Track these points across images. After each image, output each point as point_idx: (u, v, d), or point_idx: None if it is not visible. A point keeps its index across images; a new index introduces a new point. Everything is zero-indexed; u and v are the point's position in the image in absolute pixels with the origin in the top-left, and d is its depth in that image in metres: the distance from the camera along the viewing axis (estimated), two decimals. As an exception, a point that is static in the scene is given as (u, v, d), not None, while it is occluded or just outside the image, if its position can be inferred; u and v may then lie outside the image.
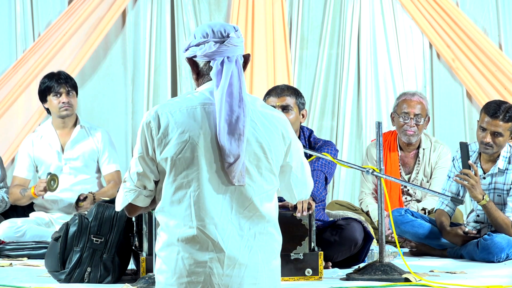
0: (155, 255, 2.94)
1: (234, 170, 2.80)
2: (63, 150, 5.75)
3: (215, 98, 2.83)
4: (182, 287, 2.81)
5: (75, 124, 5.79)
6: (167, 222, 2.83)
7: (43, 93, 5.73)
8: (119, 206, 2.96)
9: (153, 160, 2.85)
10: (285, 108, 4.84)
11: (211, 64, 2.89)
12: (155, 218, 4.16)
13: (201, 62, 2.94)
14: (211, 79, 2.90)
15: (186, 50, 2.96)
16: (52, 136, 5.76)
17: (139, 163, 2.86)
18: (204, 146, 2.80)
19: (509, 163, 5.22)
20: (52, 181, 5.47)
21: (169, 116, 2.82)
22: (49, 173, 5.51)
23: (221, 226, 2.80)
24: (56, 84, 5.69)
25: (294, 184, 3.02)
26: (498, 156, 5.22)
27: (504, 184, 5.21)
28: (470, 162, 5.14)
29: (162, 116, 2.83)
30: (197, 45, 2.91)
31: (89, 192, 5.64)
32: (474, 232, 5.21)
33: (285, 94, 4.88)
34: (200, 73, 2.96)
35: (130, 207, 2.94)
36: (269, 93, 4.95)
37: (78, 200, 5.59)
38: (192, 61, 2.95)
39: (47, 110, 5.79)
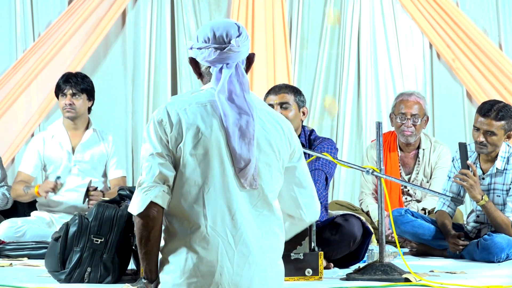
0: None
1: (246, 175, 2.81)
2: (73, 151, 5.73)
3: (218, 104, 2.84)
4: (191, 287, 2.80)
5: (87, 127, 5.78)
6: (176, 220, 2.82)
7: (56, 92, 5.74)
8: (137, 209, 2.80)
9: (168, 156, 2.81)
10: (283, 105, 4.85)
11: (210, 70, 2.90)
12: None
13: (202, 65, 2.94)
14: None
15: (191, 49, 2.95)
16: (63, 136, 5.75)
17: (157, 158, 2.80)
18: (216, 144, 2.80)
19: (507, 163, 5.22)
20: (61, 185, 5.49)
21: (180, 113, 2.81)
22: (58, 177, 5.51)
23: (232, 225, 2.80)
24: (63, 84, 5.67)
25: (299, 194, 2.98)
26: (497, 156, 5.22)
27: (503, 184, 5.21)
28: (468, 162, 5.14)
29: (173, 114, 2.81)
30: (199, 48, 2.90)
31: (100, 190, 5.62)
32: (466, 243, 5.17)
33: (283, 92, 4.90)
34: (202, 74, 2.96)
35: (149, 213, 2.80)
36: (268, 92, 4.97)
37: (88, 190, 5.56)
38: (194, 61, 2.95)
39: None
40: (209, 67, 2.90)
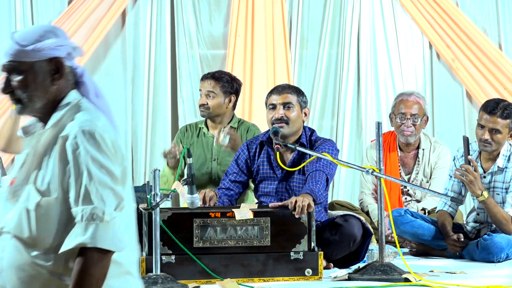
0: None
1: None
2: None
3: (107, 108, 2.54)
4: None
5: None
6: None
7: None
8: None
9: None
10: (286, 105, 4.85)
11: (78, 70, 2.51)
12: (155, 219, 4.16)
13: (68, 66, 2.49)
14: (74, 87, 2.49)
15: (56, 49, 2.44)
16: None
17: (118, 185, 2.38)
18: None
19: (508, 161, 5.22)
20: None
21: (114, 134, 2.46)
22: None
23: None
24: None
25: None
26: (498, 154, 5.22)
27: (503, 182, 5.21)
28: (469, 157, 5.14)
29: (112, 135, 2.44)
30: (74, 47, 2.49)
31: None
32: (465, 244, 5.16)
33: (286, 92, 4.90)
34: (65, 79, 2.48)
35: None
36: (271, 92, 4.97)
37: None
38: (60, 63, 2.46)
39: None
40: (72, 68, 2.48)
